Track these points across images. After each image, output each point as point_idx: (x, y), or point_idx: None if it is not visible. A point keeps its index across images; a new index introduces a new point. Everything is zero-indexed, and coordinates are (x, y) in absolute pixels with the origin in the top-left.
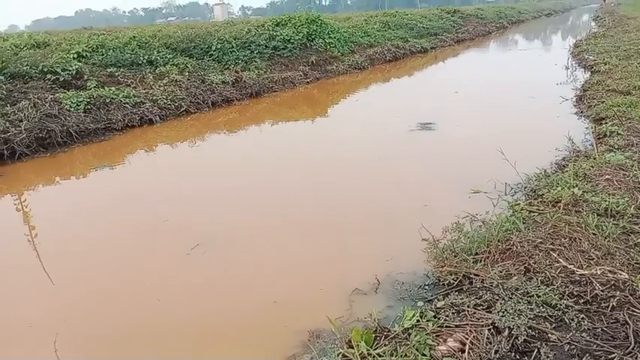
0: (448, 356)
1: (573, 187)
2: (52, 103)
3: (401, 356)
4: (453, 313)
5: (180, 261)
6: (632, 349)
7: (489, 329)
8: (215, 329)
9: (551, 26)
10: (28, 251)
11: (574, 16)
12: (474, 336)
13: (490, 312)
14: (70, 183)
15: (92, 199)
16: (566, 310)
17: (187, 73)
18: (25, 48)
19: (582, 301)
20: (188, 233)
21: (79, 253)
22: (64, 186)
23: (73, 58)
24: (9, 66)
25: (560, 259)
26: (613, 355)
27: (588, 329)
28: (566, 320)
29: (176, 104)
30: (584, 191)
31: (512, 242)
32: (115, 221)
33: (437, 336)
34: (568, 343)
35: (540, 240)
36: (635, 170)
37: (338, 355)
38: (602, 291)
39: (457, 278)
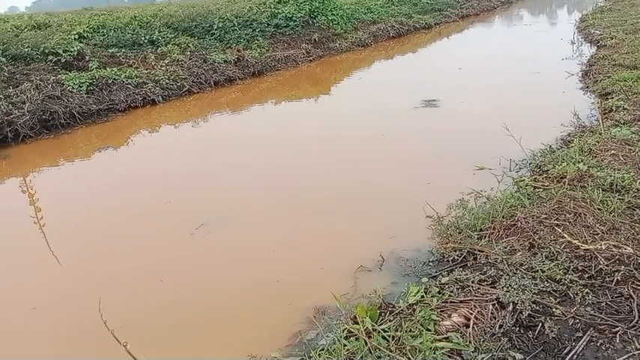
0: (453, 331)
1: (578, 162)
2: (54, 85)
3: (406, 331)
4: (457, 289)
5: (185, 241)
6: (637, 322)
7: (494, 304)
8: (219, 308)
9: (557, 0)
10: (34, 232)
11: None
12: (478, 311)
13: (494, 287)
14: (74, 164)
15: (96, 180)
16: (570, 284)
17: (189, 53)
18: (25, 29)
19: (587, 275)
20: (192, 213)
21: (83, 234)
22: (68, 167)
23: (74, 39)
24: (10, 48)
25: (564, 235)
26: (617, 329)
27: (592, 303)
28: (571, 295)
29: (178, 84)
30: (589, 166)
31: (516, 218)
32: (119, 202)
33: (441, 311)
34: (572, 317)
35: (545, 216)
36: None
37: (343, 331)
38: (606, 265)
39: (461, 254)
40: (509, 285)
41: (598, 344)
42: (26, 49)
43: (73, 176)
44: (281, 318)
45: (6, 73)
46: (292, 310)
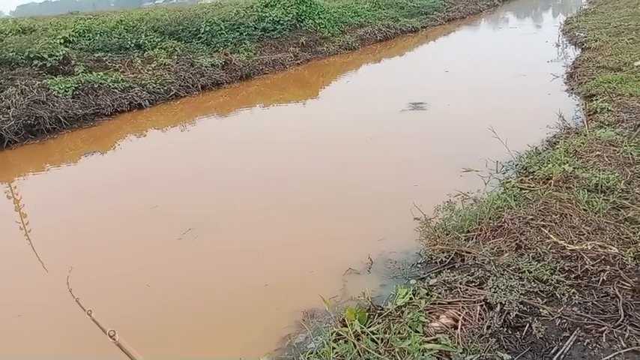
0: (441, 332)
1: (564, 163)
2: (39, 90)
3: (394, 333)
4: (445, 291)
5: (172, 246)
6: (622, 321)
7: (481, 305)
8: (207, 312)
9: (543, 3)
10: (19, 238)
11: None
12: (466, 312)
13: (482, 288)
14: (60, 169)
15: (82, 185)
16: (557, 285)
17: (176, 57)
18: (10, 34)
19: (573, 275)
20: (180, 218)
21: (70, 239)
22: (54, 172)
23: (60, 43)
24: None
25: (551, 235)
26: (603, 328)
27: (579, 303)
28: (558, 295)
29: (165, 88)
30: (574, 167)
31: (503, 219)
32: (106, 207)
33: (430, 313)
34: (559, 317)
35: (531, 217)
36: (625, 146)
37: (332, 334)
38: (592, 266)
39: (449, 256)
40: (497, 286)
41: (585, 344)
42: (11, 54)
43: (59, 181)
44: (270, 322)
45: None
46: (281, 313)
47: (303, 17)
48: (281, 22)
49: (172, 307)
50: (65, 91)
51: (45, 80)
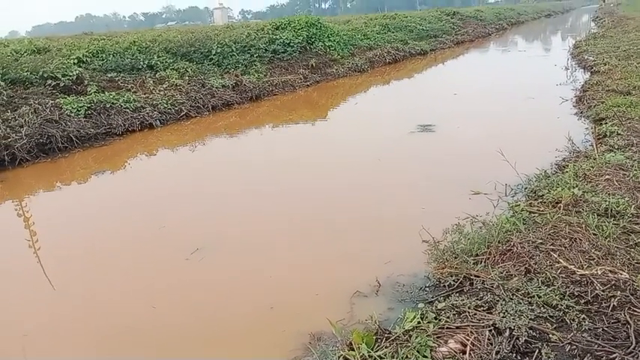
0: (449, 357)
1: (573, 187)
2: (52, 109)
3: (402, 358)
4: (453, 315)
5: (179, 266)
6: (634, 348)
7: (490, 330)
8: (213, 334)
9: (551, 27)
10: (29, 256)
11: (573, 16)
12: (474, 337)
13: (491, 313)
14: (71, 188)
15: (93, 204)
16: (567, 310)
17: (187, 78)
18: (25, 54)
19: (583, 301)
20: (188, 238)
21: (78, 258)
22: (65, 191)
23: (74, 63)
24: (10, 72)
25: (560, 260)
26: (614, 355)
27: (589, 329)
28: (567, 320)
29: (176, 108)
30: (584, 191)
31: (512, 243)
32: (115, 227)
33: (438, 337)
34: (569, 343)
35: (541, 241)
36: (635, 170)
37: (339, 358)
38: (602, 291)
39: (458, 279)
40: (506, 310)
41: None
42: (25, 73)
43: (69, 200)
44: (276, 344)
45: (5, 97)
46: (288, 335)
47: (313, 40)
48: (291, 44)
49: (178, 328)
50: (78, 110)
51: (58, 100)
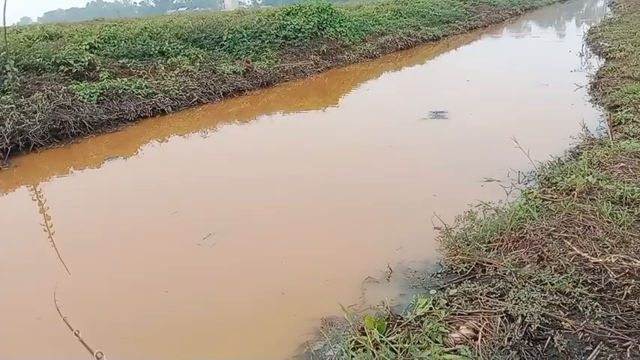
0: (461, 343)
1: (587, 174)
2: (65, 95)
3: (413, 343)
4: (465, 301)
5: (191, 251)
6: None
7: (502, 317)
8: (225, 318)
9: (566, 12)
10: (43, 241)
11: (589, 2)
12: (486, 324)
13: (503, 300)
14: (84, 174)
15: (105, 189)
16: (579, 298)
17: (199, 64)
18: (37, 40)
19: (596, 289)
20: (200, 223)
21: (92, 242)
22: (78, 177)
23: (86, 49)
24: (23, 58)
25: (574, 247)
26: (627, 343)
27: (602, 317)
28: (580, 308)
29: (188, 94)
30: (598, 179)
31: (525, 230)
32: (128, 212)
33: (449, 324)
34: (582, 330)
35: (554, 228)
36: None
37: (351, 342)
38: (616, 279)
39: (470, 266)
40: (518, 298)
41: (608, 358)
42: (38, 60)
43: (83, 185)
44: (288, 328)
45: (18, 83)
46: (300, 320)
47: (324, 25)
48: (302, 30)
49: (189, 312)
50: (90, 96)
51: (70, 85)
